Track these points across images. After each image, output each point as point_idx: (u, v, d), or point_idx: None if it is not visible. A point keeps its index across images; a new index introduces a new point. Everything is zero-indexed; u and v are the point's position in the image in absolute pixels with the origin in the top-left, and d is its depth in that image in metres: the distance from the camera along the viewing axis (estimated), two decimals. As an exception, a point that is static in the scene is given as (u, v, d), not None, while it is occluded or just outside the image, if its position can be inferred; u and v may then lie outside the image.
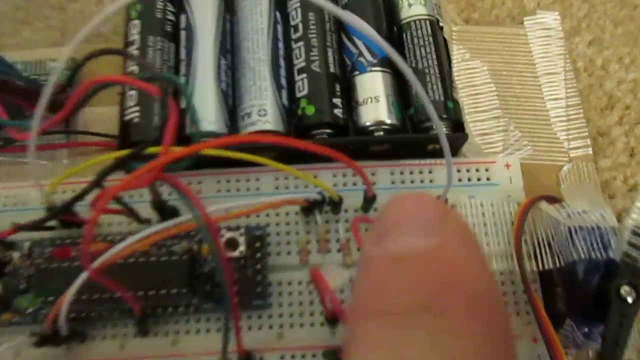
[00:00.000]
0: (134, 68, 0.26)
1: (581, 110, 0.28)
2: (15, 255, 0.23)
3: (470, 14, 0.30)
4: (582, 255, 0.22)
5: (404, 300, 0.10)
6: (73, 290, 0.19)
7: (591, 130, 0.28)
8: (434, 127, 0.25)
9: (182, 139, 0.24)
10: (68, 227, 0.24)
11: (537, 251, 0.24)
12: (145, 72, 0.19)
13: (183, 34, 0.27)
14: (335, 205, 0.23)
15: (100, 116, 0.28)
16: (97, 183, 0.18)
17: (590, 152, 0.27)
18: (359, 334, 0.10)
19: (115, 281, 0.20)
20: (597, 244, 0.22)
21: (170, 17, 0.27)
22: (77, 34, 0.28)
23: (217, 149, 0.19)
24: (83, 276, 0.19)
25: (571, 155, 0.27)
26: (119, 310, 0.23)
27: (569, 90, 0.29)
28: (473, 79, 0.28)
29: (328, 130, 0.25)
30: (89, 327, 0.23)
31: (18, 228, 0.21)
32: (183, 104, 0.24)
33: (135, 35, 0.26)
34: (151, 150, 0.18)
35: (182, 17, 0.27)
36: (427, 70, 0.26)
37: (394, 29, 0.27)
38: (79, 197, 0.19)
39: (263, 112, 0.25)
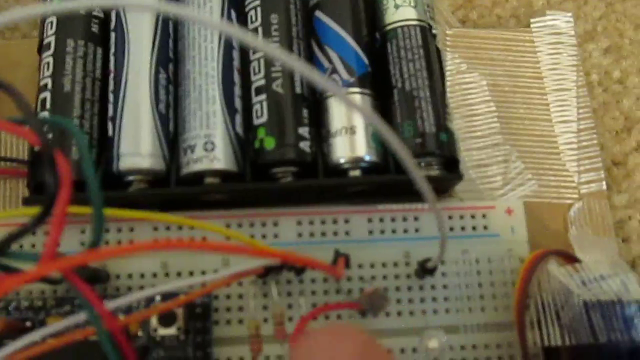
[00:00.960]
0: (47, 82, 0.20)
1: (595, 136, 0.24)
2: None
3: (468, 12, 0.25)
4: (600, 338, 0.18)
5: None
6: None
7: (605, 159, 0.24)
8: (422, 166, 0.20)
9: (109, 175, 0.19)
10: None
11: (543, 321, 0.20)
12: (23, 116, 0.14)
13: (112, 36, 0.21)
14: (298, 270, 0.19)
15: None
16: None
17: (604, 187, 0.23)
18: None
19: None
20: (619, 323, 0.18)
21: (98, 13, 0.22)
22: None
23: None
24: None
25: (582, 191, 0.23)
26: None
27: (581, 111, 0.24)
28: (469, 97, 0.24)
29: (292, 169, 0.20)
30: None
31: None
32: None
33: (51, 37, 0.21)
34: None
35: (113, 14, 0.22)
36: (415, 93, 0.21)
37: (376, 36, 0.22)
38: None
39: (210, 146, 0.20)
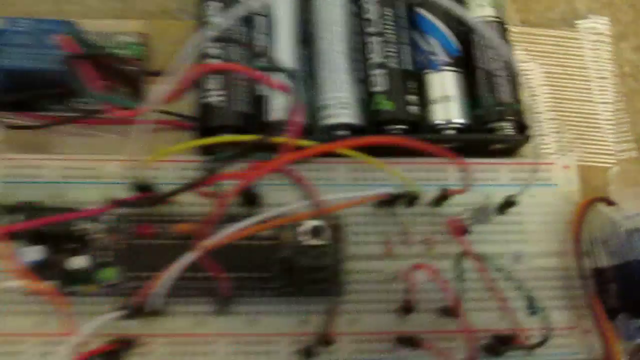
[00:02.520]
0: (218, 51, 0.26)
1: (627, 115, 0.30)
2: (98, 228, 0.24)
3: (526, 15, 0.31)
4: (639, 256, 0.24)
5: None
6: (178, 268, 0.20)
7: (636, 133, 0.30)
8: (499, 128, 0.26)
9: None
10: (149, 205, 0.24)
11: (593, 250, 0.25)
12: (264, 63, 0.19)
13: (260, 20, 0.27)
14: (412, 200, 0.25)
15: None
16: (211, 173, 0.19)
17: (635, 154, 0.29)
18: None
19: (213, 262, 0.21)
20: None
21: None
22: (142, 7, 0.28)
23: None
24: (191, 255, 0.20)
25: (618, 157, 0.29)
26: (202, 289, 0.23)
27: (616, 95, 0.30)
28: (530, 81, 0.30)
29: (402, 127, 0.26)
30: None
31: (116, 203, 0.22)
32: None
33: (214, 17, 0.27)
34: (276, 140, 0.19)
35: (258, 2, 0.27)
36: (496, 72, 0.27)
37: (462, 28, 0.28)
38: (197, 183, 0.20)
39: (344, 105, 0.25)
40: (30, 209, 0.22)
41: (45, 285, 0.21)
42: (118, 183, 0.25)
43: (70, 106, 0.27)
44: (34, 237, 0.22)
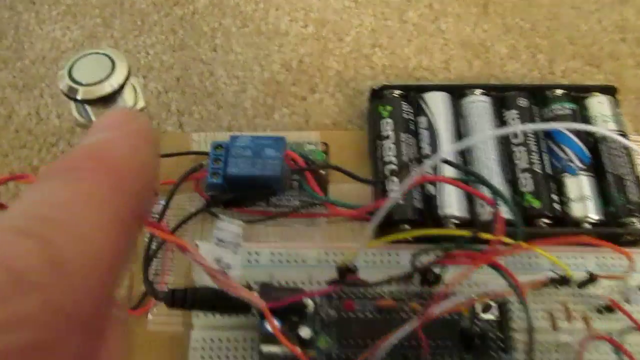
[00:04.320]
0: (391, 159, 0.32)
1: None
2: (310, 303, 0.29)
3: (637, 125, 0.37)
4: None
5: (57, 166, 0.13)
6: (398, 337, 0.25)
7: None
8: (629, 223, 0.32)
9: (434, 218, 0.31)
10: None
11: None
12: (473, 177, 0.26)
13: (425, 132, 0.33)
14: (566, 282, 0.30)
15: (347, 190, 0.34)
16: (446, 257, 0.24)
17: None
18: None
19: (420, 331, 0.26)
20: None
21: (412, 117, 0.34)
22: (318, 121, 0.35)
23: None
24: (409, 326, 0.25)
25: None
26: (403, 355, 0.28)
27: None
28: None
29: (547, 221, 0.31)
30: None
31: (337, 284, 0.28)
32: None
33: (389, 132, 0.33)
34: (484, 236, 0.24)
35: (422, 119, 0.34)
36: (624, 177, 0.32)
37: (589, 139, 0.34)
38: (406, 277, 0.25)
39: (500, 203, 0.31)
40: (266, 288, 0.28)
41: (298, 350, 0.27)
42: (317, 266, 0.31)
43: (271, 203, 0.33)
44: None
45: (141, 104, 0.27)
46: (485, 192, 0.28)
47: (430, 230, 0.29)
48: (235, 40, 0.39)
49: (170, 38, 0.39)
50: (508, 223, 0.31)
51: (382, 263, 0.31)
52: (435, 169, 0.32)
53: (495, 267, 0.24)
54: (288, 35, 0.39)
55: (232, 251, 0.28)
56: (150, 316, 0.31)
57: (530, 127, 0.31)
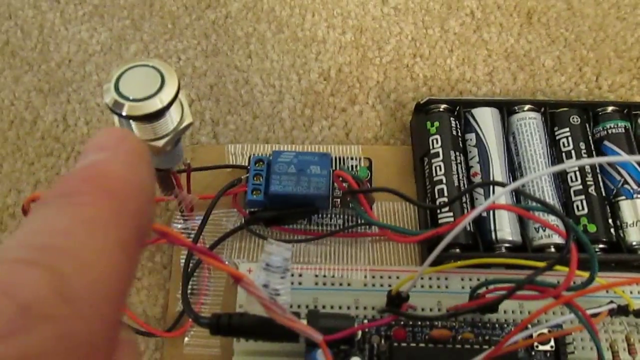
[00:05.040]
0: (441, 178, 0.31)
1: None
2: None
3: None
4: None
5: (54, 191, 0.13)
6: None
7: None
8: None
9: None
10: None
11: None
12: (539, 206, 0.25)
13: (474, 150, 0.32)
14: (624, 312, 0.28)
15: (392, 209, 0.33)
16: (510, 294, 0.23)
17: None
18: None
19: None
20: None
21: (459, 133, 0.33)
22: (359, 134, 0.34)
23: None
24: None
25: None
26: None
27: None
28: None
29: (602, 246, 0.30)
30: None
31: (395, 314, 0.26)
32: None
33: (438, 149, 0.32)
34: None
35: (471, 135, 0.33)
36: (682, 200, 0.31)
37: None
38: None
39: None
40: (314, 315, 0.26)
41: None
42: (364, 290, 0.29)
43: (313, 221, 0.32)
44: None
45: (188, 119, 0.25)
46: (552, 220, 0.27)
47: (501, 259, 0.28)
48: (271, 46, 0.38)
49: (203, 43, 0.38)
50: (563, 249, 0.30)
51: (430, 288, 0.30)
52: (487, 191, 0.31)
53: (572, 307, 0.23)
54: (326, 43, 0.38)
55: (281, 276, 0.27)
56: (186, 339, 0.30)
57: (585, 162, 0.30)
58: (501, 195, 0.30)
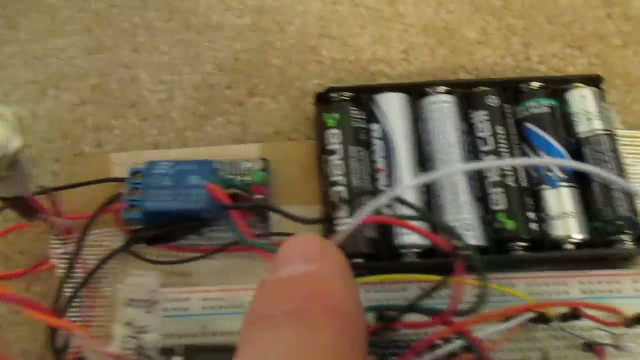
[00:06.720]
0: (339, 179, 0.27)
1: None
2: None
3: (625, 117, 0.32)
4: None
5: (279, 307, 0.13)
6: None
7: None
8: (619, 241, 0.27)
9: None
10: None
11: None
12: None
13: (379, 142, 0.29)
14: (545, 321, 0.25)
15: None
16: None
17: None
18: (244, 335, 0.14)
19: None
20: None
21: (363, 125, 0.29)
22: (258, 130, 0.30)
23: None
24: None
25: None
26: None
27: None
28: (637, 185, 0.30)
29: (523, 244, 0.27)
30: None
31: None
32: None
33: (336, 145, 0.28)
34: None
35: (376, 126, 0.29)
36: (612, 186, 0.28)
37: (571, 140, 0.29)
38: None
39: (469, 227, 0.27)
40: (192, 352, 0.23)
41: None
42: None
43: (204, 235, 0.28)
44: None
45: (16, 143, 0.21)
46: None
47: (395, 276, 0.25)
48: (161, 37, 0.34)
49: (85, 38, 0.34)
50: (482, 250, 0.27)
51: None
52: (391, 184, 0.27)
53: (462, 336, 0.20)
54: (222, 29, 0.34)
55: (147, 311, 0.23)
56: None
57: (508, 162, 0.26)
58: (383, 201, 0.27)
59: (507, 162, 0.26)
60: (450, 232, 0.19)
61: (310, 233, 0.16)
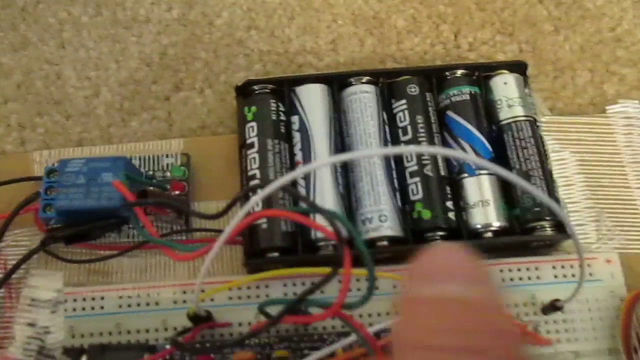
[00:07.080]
0: (255, 173, 0.27)
1: (666, 198, 0.30)
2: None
3: (555, 102, 0.32)
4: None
5: (447, 340, 0.12)
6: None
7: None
8: (538, 228, 0.27)
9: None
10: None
11: (643, 347, 0.25)
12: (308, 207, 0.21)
13: (297, 135, 0.28)
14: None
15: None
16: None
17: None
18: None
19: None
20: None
21: (283, 117, 0.29)
22: (183, 125, 0.30)
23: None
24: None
25: (659, 242, 0.29)
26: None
27: (653, 179, 0.30)
28: (564, 170, 0.30)
29: (442, 233, 0.27)
30: None
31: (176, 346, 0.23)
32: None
33: (253, 138, 0.28)
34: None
35: (295, 118, 0.29)
36: (531, 173, 0.27)
37: (493, 128, 0.29)
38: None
39: (384, 218, 0.26)
40: (96, 352, 0.23)
41: None
42: (174, 309, 0.26)
43: (124, 232, 0.28)
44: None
45: None
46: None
47: (299, 270, 0.24)
48: (87, 32, 0.33)
49: (10, 35, 0.33)
50: (398, 240, 0.27)
51: (249, 299, 0.26)
52: (309, 177, 0.27)
53: (350, 326, 0.20)
54: (149, 23, 0.34)
55: (51, 311, 0.23)
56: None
57: (424, 149, 0.26)
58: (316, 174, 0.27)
59: (395, 150, 0.26)
60: (334, 221, 0.19)
61: (454, 244, 0.14)
